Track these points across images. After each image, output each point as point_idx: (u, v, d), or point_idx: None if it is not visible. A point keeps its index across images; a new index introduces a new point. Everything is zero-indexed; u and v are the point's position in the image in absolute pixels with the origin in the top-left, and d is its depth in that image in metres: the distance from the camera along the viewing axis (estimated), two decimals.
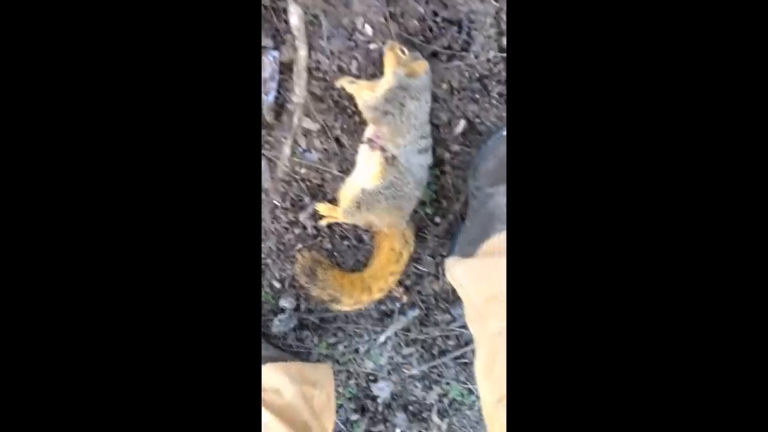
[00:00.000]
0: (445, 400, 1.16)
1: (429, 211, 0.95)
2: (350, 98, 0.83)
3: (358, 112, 0.83)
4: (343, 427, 1.14)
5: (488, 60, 0.84)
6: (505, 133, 0.83)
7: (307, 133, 0.86)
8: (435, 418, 1.18)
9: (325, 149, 0.87)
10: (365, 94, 0.78)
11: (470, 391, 1.15)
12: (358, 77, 0.81)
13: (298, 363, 0.97)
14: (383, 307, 1.01)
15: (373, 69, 0.81)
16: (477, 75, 0.85)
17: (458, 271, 0.84)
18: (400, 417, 1.18)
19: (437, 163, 0.89)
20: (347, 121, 0.86)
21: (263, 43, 0.80)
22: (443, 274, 0.98)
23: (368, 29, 0.78)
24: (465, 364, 1.11)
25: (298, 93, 0.81)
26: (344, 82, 0.80)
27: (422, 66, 0.76)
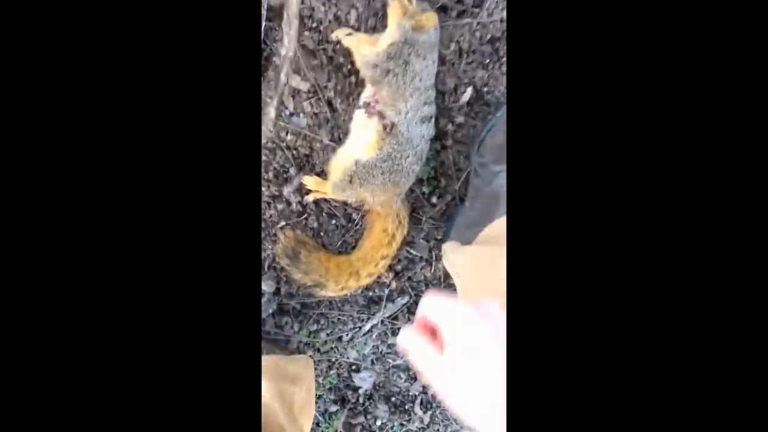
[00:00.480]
0: (430, 392, 1.16)
1: (425, 189, 0.88)
2: (347, 54, 0.75)
3: (355, 72, 0.76)
4: (321, 418, 1.12)
5: (501, 20, 0.76)
6: None
7: (295, 93, 0.78)
8: (418, 409, 1.17)
9: (315, 113, 0.79)
10: (365, 49, 0.70)
11: None
12: (356, 29, 0.73)
13: (274, 356, 0.89)
14: (370, 294, 0.97)
15: (375, 21, 0.74)
16: (488, 36, 0.77)
17: (457, 260, 0.77)
18: (382, 408, 1.16)
19: (438, 136, 0.82)
20: (342, 81, 0.77)
21: None
22: (436, 260, 0.94)
23: None
24: None
25: (287, 45, 0.72)
26: (341, 34, 0.72)
27: (431, 19, 0.68)
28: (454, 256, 0.78)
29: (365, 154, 0.73)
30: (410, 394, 1.16)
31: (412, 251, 0.92)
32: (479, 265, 0.72)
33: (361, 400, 1.15)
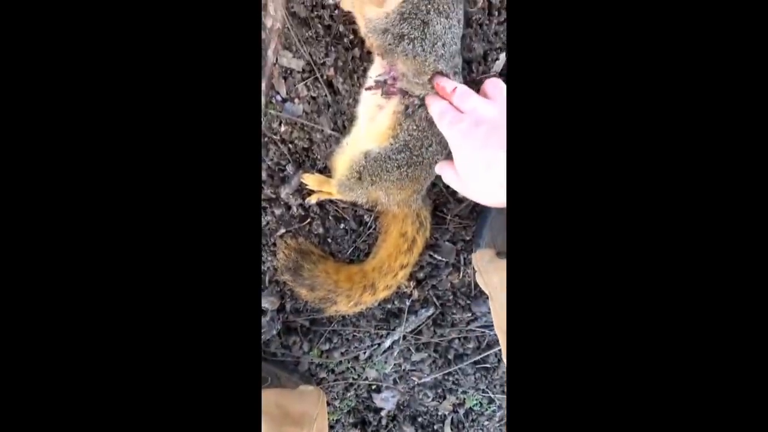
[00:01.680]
0: (461, 411, 1.12)
1: None
2: (349, 20, 0.67)
3: (359, 42, 0.68)
4: None
5: None
6: None
7: (287, 74, 0.71)
8: (448, 430, 1.13)
9: (313, 97, 0.73)
10: (370, 11, 0.61)
11: (491, 400, 1.11)
12: None
13: (274, 392, 0.82)
14: (389, 306, 0.91)
15: None
16: None
17: (494, 277, 0.69)
18: (408, 430, 1.13)
19: None
20: (344, 55, 0.70)
21: None
22: (465, 264, 0.89)
23: None
24: (486, 369, 1.04)
25: (274, 14, 0.64)
26: None
27: None
28: (488, 273, 0.70)
29: (377, 144, 0.65)
30: (439, 414, 1.15)
31: (436, 256, 0.86)
32: None
33: (383, 422, 1.12)
